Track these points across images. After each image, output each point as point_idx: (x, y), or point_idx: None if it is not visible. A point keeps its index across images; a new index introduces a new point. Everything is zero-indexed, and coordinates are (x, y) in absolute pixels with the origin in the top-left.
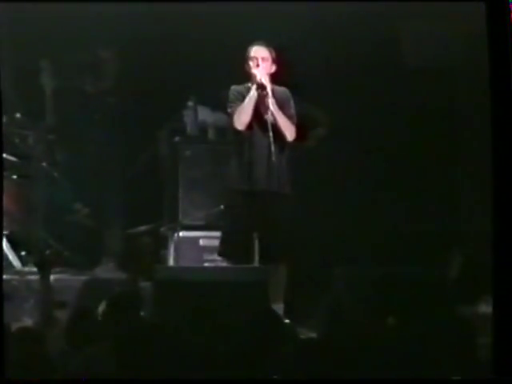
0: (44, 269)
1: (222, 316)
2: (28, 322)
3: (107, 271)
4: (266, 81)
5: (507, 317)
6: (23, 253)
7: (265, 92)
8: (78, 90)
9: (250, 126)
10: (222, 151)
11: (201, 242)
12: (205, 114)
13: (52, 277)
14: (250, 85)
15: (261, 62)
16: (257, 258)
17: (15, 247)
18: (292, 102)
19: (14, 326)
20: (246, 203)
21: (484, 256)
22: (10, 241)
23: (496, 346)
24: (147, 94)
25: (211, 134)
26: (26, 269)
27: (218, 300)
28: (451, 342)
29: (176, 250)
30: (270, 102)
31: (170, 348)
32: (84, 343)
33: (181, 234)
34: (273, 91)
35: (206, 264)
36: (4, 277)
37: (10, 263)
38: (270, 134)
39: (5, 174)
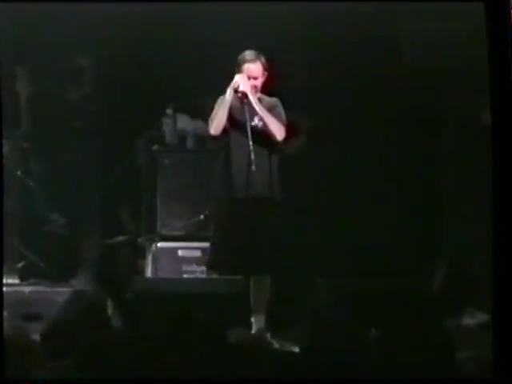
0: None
1: (201, 328)
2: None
3: (83, 283)
4: (246, 89)
5: (507, 317)
6: None
7: (245, 100)
8: (54, 97)
9: (232, 133)
10: (201, 160)
11: (179, 252)
12: (184, 122)
13: (27, 288)
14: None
15: (252, 81)
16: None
17: None
18: (281, 110)
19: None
20: (232, 212)
21: (467, 267)
22: None
23: (496, 346)
24: (125, 102)
25: (190, 143)
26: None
27: (198, 312)
28: (433, 353)
29: (154, 260)
30: (257, 107)
31: (147, 361)
32: (59, 356)
33: (159, 244)
34: (261, 100)
35: (185, 275)
36: None
37: None
38: (250, 142)
39: None
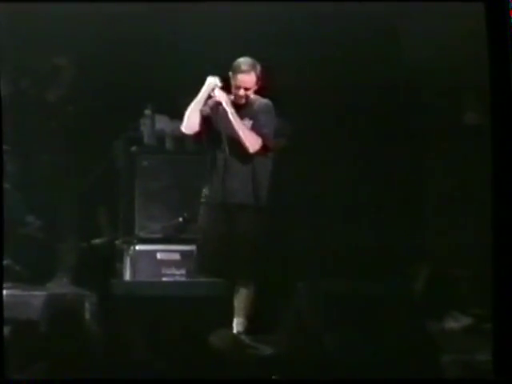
0: None
1: (180, 332)
2: None
3: (60, 286)
4: (222, 99)
5: (506, 317)
6: None
7: (220, 108)
8: (31, 97)
9: (214, 139)
10: (180, 161)
11: (158, 255)
12: (163, 123)
13: (2, 292)
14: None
15: (243, 91)
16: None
17: None
18: (270, 115)
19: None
20: (212, 217)
21: (451, 269)
22: None
23: (496, 347)
24: (102, 102)
25: (169, 144)
26: None
27: (177, 315)
28: (416, 357)
29: (132, 263)
30: (231, 117)
31: (125, 366)
32: (35, 359)
33: (137, 247)
34: (252, 102)
35: (164, 278)
36: None
37: None
38: (226, 147)
39: None
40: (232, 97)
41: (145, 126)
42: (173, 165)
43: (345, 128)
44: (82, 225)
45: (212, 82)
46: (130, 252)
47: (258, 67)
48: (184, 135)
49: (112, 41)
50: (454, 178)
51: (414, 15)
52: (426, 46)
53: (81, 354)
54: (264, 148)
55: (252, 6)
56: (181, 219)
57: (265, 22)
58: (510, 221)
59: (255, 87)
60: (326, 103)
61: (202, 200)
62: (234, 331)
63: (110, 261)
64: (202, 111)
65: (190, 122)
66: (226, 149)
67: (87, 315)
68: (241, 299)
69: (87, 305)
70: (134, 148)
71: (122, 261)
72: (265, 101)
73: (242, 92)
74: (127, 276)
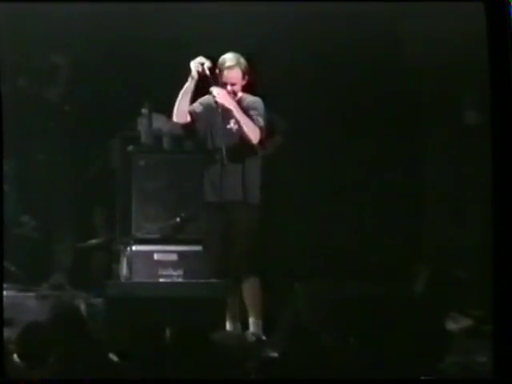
0: None
1: (177, 333)
2: None
3: (56, 287)
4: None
5: (506, 318)
6: None
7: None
8: (27, 95)
9: (210, 136)
10: (177, 161)
11: (155, 256)
12: (160, 122)
13: None
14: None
15: (229, 87)
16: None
17: None
18: (260, 111)
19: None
20: (209, 216)
21: (451, 270)
22: None
23: (495, 347)
24: (99, 101)
25: (166, 143)
26: None
27: (174, 317)
28: (416, 358)
29: (129, 264)
30: (234, 109)
31: (121, 368)
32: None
33: (134, 247)
34: (241, 100)
35: (161, 279)
36: None
37: None
38: (223, 146)
39: None
40: None
41: (142, 126)
42: (170, 164)
43: (342, 127)
44: (78, 225)
45: (197, 61)
46: (127, 252)
47: (243, 62)
48: (181, 134)
49: (109, 40)
50: (454, 179)
51: (414, 15)
52: (426, 46)
53: (76, 355)
54: (261, 142)
55: (251, 6)
56: (178, 219)
57: (264, 21)
58: (511, 222)
59: (242, 82)
60: (322, 102)
61: (201, 200)
62: (251, 330)
63: (107, 261)
64: (195, 108)
65: (180, 110)
66: (223, 147)
67: (83, 316)
68: (250, 298)
69: (83, 306)
70: (130, 147)
71: (118, 261)
72: (254, 98)
73: (228, 88)
74: (124, 277)
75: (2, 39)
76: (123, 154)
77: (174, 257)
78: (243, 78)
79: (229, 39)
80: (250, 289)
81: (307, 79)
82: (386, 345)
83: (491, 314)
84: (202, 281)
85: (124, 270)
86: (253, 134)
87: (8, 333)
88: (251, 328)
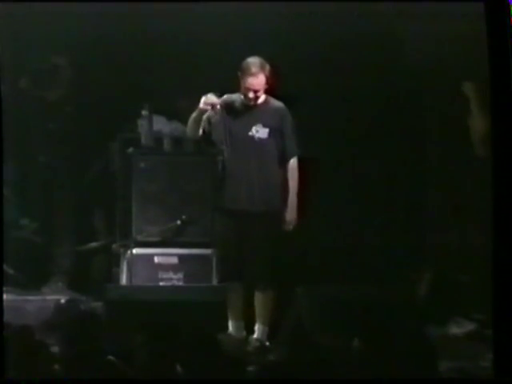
0: None
1: (178, 337)
2: None
3: (56, 291)
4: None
5: (506, 318)
6: None
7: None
8: (27, 97)
9: (231, 144)
10: (178, 163)
11: (156, 259)
12: (160, 124)
13: None
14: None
15: (252, 93)
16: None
17: None
18: (288, 118)
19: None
20: (226, 224)
21: (454, 275)
22: None
23: (496, 347)
24: (99, 103)
25: (167, 145)
26: None
27: (174, 321)
28: (418, 364)
29: (129, 267)
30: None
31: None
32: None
33: (134, 251)
34: (264, 104)
35: (162, 283)
36: None
37: None
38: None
39: None
40: (242, 96)
41: (142, 127)
42: (170, 166)
43: (345, 130)
44: (78, 228)
45: (208, 101)
46: (127, 256)
47: (267, 67)
48: (182, 136)
49: (110, 41)
50: (456, 183)
51: (413, 15)
52: (426, 46)
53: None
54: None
55: (251, 6)
56: (179, 222)
57: (264, 22)
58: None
59: (265, 87)
60: (323, 104)
61: (214, 206)
62: (255, 337)
63: (107, 265)
64: (210, 117)
65: (191, 133)
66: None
67: (82, 321)
68: (260, 305)
69: (83, 309)
70: (130, 149)
71: (118, 265)
72: (281, 105)
73: (251, 94)
74: (124, 280)
75: (2, 39)
76: (123, 156)
77: (175, 260)
78: (266, 83)
79: (231, 40)
80: (262, 296)
81: (307, 79)
82: (389, 350)
83: (491, 314)
84: (203, 284)
85: (124, 273)
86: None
87: (7, 336)
88: (256, 334)
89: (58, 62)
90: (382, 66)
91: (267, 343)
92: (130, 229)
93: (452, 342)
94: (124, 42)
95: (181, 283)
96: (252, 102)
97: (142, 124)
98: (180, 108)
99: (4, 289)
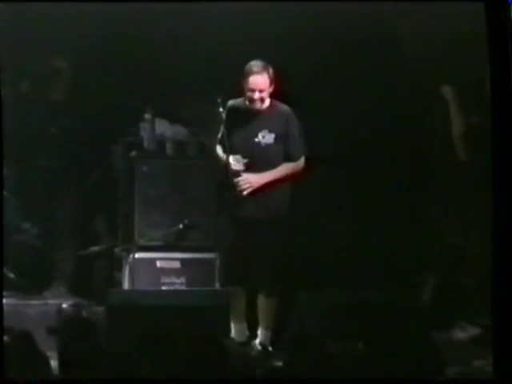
0: None
1: (180, 342)
2: None
3: (57, 295)
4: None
5: (506, 318)
6: None
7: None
8: (29, 100)
9: (236, 150)
10: (180, 167)
11: (158, 263)
12: (163, 127)
13: None
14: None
15: (257, 94)
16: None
17: None
18: (293, 121)
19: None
20: (233, 229)
21: (457, 280)
22: None
23: (496, 347)
24: (100, 106)
25: (170, 149)
26: None
27: (176, 325)
28: (422, 368)
29: (131, 272)
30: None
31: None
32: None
33: (136, 255)
34: (271, 108)
35: (164, 287)
36: None
37: None
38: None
39: None
40: (246, 102)
41: (144, 131)
42: (173, 170)
43: (344, 132)
44: (80, 232)
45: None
46: (129, 260)
47: (270, 69)
48: (185, 140)
49: (112, 43)
50: (458, 186)
51: (413, 15)
52: (426, 46)
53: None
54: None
55: (250, 6)
56: (181, 226)
57: (264, 23)
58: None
59: (270, 89)
60: (323, 104)
61: (219, 211)
62: (258, 342)
63: (109, 269)
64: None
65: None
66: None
67: (84, 325)
68: (264, 310)
69: (85, 314)
70: (133, 153)
71: (120, 269)
72: (286, 109)
73: (256, 95)
74: (126, 285)
75: (2, 40)
76: (126, 160)
77: (177, 264)
78: (270, 84)
79: (232, 42)
80: (265, 301)
81: (307, 79)
82: (393, 355)
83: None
84: (205, 289)
85: (126, 277)
86: (295, 153)
87: (8, 340)
88: (259, 338)
89: (59, 64)
90: (382, 66)
91: (270, 348)
92: (132, 233)
93: (456, 347)
94: (126, 45)
95: (183, 287)
96: (257, 106)
97: (144, 128)
98: (183, 111)
99: (5, 293)
